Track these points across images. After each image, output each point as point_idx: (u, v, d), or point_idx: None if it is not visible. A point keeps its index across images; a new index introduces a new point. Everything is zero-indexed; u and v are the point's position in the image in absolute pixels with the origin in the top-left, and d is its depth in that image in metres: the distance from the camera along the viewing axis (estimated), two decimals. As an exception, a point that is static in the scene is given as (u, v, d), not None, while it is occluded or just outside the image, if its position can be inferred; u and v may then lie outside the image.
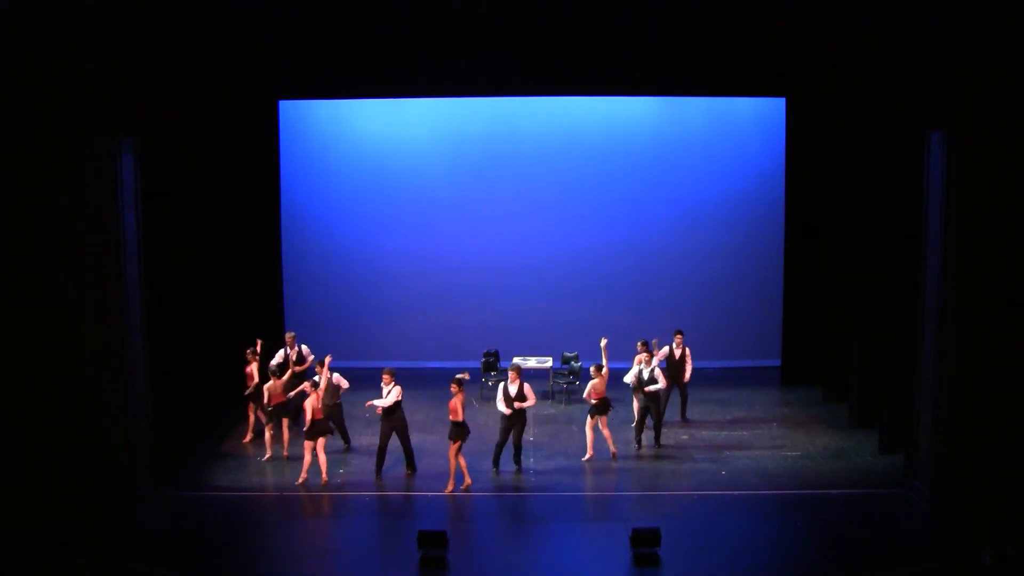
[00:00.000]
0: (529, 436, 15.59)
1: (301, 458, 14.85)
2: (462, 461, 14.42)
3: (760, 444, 16.20)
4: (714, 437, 16.53)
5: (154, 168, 14.60)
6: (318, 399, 14.79)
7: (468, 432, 14.56)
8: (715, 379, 18.70)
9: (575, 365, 18.63)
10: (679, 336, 17.11)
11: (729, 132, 19.81)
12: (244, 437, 16.52)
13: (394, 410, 14.81)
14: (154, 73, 13.43)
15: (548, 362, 18.75)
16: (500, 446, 15.07)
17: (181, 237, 16.15)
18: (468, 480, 14.49)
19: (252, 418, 16.59)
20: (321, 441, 14.71)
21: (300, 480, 14.69)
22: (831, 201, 18.09)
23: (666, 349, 17.06)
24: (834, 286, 18.00)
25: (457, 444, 14.35)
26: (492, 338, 19.44)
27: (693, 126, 19.82)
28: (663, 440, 16.04)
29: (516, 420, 14.91)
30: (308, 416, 14.64)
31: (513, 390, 14.85)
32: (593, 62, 15.68)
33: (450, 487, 14.41)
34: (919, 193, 14.04)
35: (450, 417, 14.46)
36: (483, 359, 18.89)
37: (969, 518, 13.19)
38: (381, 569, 12.42)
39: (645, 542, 12.32)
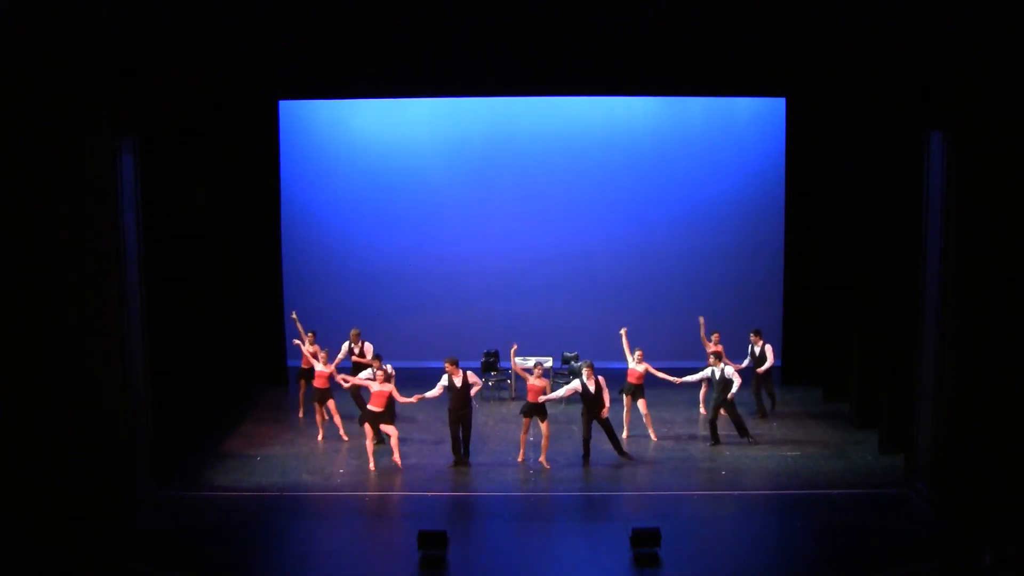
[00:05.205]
0: (529, 436, 15.58)
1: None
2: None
3: (760, 444, 16.20)
4: (714, 437, 16.54)
5: (154, 168, 14.59)
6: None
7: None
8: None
9: (575, 365, 18.61)
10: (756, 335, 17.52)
11: (729, 132, 19.81)
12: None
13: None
14: (154, 73, 13.42)
15: (548, 362, 18.73)
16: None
17: (181, 237, 16.14)
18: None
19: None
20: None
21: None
22: (831, 201, 18.09)
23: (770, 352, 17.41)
24: (834, 286, 17.99)
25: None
26: (492, 338, 19.42)
27: (693, 126, 19.82)
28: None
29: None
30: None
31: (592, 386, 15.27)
32: (593, 62, 15.67)
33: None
34: (919, 193, 14.04)
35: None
36: (483, 359, 18.89)
37: (969, 518, 13.19)
38: (381, 569, 12.41)
39: (645, 542, 12.31)
